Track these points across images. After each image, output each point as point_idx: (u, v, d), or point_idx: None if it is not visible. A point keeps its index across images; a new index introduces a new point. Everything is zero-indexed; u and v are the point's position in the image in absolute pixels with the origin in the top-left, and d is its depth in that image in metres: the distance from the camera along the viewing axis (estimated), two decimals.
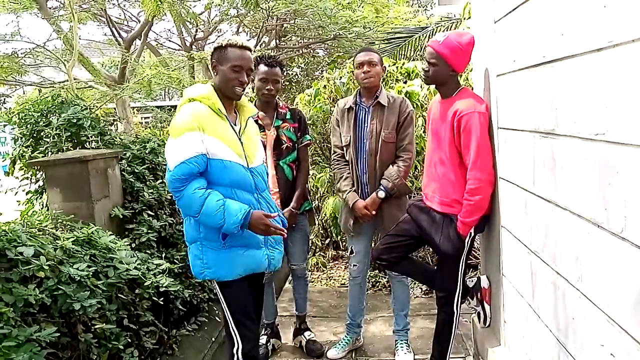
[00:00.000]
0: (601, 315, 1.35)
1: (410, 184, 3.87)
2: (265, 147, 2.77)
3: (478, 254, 3.17)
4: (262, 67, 2.85)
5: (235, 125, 2.16)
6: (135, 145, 3.64)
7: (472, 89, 2.72)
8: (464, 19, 4.50)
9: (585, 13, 1.35)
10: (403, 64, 4.48)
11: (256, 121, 2.76)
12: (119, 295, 2.45)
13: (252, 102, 3.00)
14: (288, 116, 2.98)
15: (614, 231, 1.26)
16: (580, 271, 1.47)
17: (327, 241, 5.00)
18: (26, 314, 1.98)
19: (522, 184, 1.96)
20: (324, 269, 4.71)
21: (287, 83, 8.78)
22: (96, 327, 2.23)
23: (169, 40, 10.11)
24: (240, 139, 2.14)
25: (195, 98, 2.08)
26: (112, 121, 4.86)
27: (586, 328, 1.45)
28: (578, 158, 1.45)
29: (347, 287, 3.27)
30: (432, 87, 3.27)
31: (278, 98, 3.08)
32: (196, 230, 2.13)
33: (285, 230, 2.19)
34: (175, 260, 3.11)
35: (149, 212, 3.21)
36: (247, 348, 2.19)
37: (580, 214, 1.45)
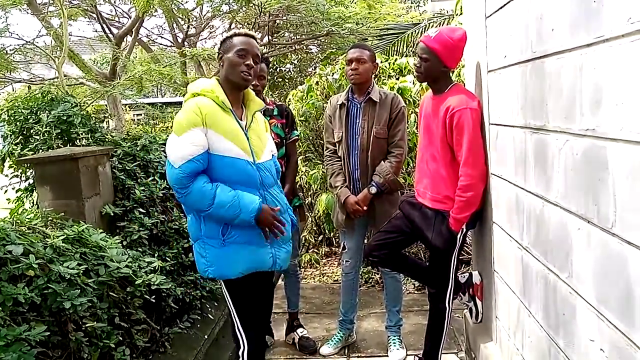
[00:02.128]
0: (591, 310, 1.35)
1: (403, 180, 3.88)
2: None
3: (470, 250, 3.18)
4: None
5: (241, 120, 2.11)
6: (127, 143, 3.62)
7: (465, 85, 2.72)
8: (457, 14, 4.50)
9: (576, 8, 1.35)
10: (395, 60, 4.47)
11: None
12: (110, 293, 2.43)
13: None
14: (275, 112, 2.98)
15: (603, 226, 1.26)
16: (570, 267, 1.48)
17: (320, 238, 5.00)
18: (15, 313, 1.96)
19: (513, 180, 1.97)
20: (317, 265, 4.71)
21: (280, 79, 8.77)
22: (87, 325, 2.21)
23: (161, 37, 10.03)
24: (246, 134, 2.09)
25: (199, 92, 2.05)
26: (103, 118, 4.82)
27: (576, 323, 1.46)
28: (568, 153, 1.45)
29: (340, 283, 3.27)
30: (425, 83, 3.26)
31: (271, 94, 3.08)
32: (197, 228, 2.11)
33: (285, 230, 2.17)
34: (167, 258, 3.09)
35: (141, 209, 3.18)
36: (251, 349, 2.17)
37: (571, 210, 1.45)
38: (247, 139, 2.08)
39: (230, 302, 2.16)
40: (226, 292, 2.16)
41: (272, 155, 2.27)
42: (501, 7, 1.99)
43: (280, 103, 3.13)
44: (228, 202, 1.97)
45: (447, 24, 5.36)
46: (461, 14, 3.59)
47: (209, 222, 2.07)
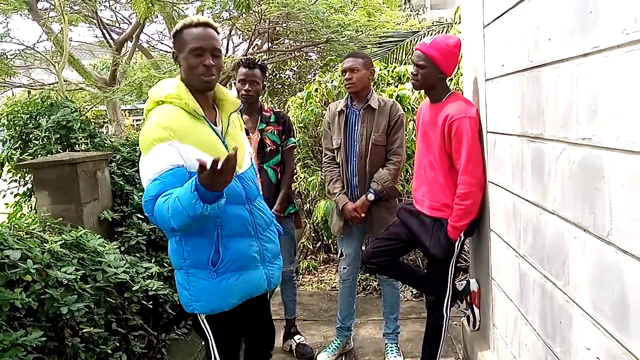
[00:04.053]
0: (587, 318, 1.35)
1: (401, 188, 3.88)
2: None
3: (468, 257, 3.18)
4: (241, 69, 2.88)
5: (216, 125, 1.80)
6: (125, 148, 3.63)
7: (463, 93, 2.73)
8: (455, 23, 4.53)
9: (572, 18, 1.36)
10: (394, 68, 4.49)
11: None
12: (108, 299, 2.43)
13: None
14: (272, 119, 2.98)
15: (600, 235, 1.27)
16: (567, 275, 1.48)
17: (318, 244, 5.00)
18: (12, 318, 1.96)
19: (511, 188, 1.97)
20: (315, 272, 4.70)
21: (280, 86, 8.79)
22: (84, 331, 2.20)
23: (161, 43, 10.06)
24: (224, 142, 1.79)
25: (164, 99, 1.73)
26: (102, 123, 4.84)
27: (572, 331, 1.46)
28: (565, 162, 1.46)
29: (337, 290, 3.27)
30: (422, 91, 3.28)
31: (271, 101, 3.09)
32: (180, 256, 1.78)
33: (273, 244, 1.93)
34: (164, 264, 3.09)
35: (139, 215, 3.19)
36: None
37: (567, 218, 1.46)
38: (226, 147, 1.77)
39: (211, 335, 1.84)
40: (206, 325, 1.84)
41: (251, 159, 1.98)
42: (499, 17, 2.01)
43: (278, 110, 3.14)
44: (173, 205, 1.56)
45: (446, 33, 5.40)
46: (460, 22, 3.62)
47: (194, 248, 1.75)
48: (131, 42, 7.58)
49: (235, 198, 1.77)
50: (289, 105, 5.03)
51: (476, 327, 2.59)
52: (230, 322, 1.86)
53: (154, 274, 2.74)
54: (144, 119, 1.82)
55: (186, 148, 1.67)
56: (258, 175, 2.80)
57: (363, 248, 3.15)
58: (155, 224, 1.77)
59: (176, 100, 1.71)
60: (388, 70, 4.44)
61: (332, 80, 4.43)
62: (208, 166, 1.46)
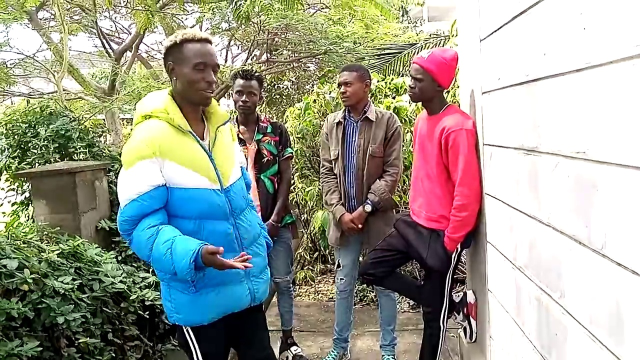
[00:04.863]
0: (583, 331, 1.36)
1: (399, 199, 3.90)
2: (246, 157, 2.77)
3: (465, 269, 3.19)
4: (239, 80, 2.90)
5: (203, 139, 1.81)
6: None
7: (459, 106, 2.75)
8: (452, 36, 4.57)
9: (566, 34, 1.39)
10: (392, 80, 4.53)
11: (238, 135, 2.75)
12: (104, 308, 2.43)
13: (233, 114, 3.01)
14: (269, 130, 3.00)
15: (595, 248, 1.28)
16: (562, 287, 1.49)
17: (315, 255, 4.99)
18: (8, 327, 1.96)
19: (507, 200, 1.99)
20: (312, 283, 4.69)
21: (278, 96, 8.84)
22: (80, 341, 2.20)
23: (161, 53, 10.12)
24: (210, 156, 1.79)
25: (151, 114, 1.74)
26: (101, 133, 4.85)
27: (568, 344, 1.46)
28: (560, 175, 1.47)
29: (335, 301, 3.26)
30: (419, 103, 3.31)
31: (269, 111, 3.11)
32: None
33: (260, 258, 1.92)
34: None
35: None
36: None
37: (563, 231, 1.47)
38: (212, 161, 1.78)
39: (195, 347, 1.85)
40: (191, 335, 1.84)
41: (241, 167, 1.99)
42: (495, 31, 2.03)
43: (274, 121, 3.16)
44: (162, 256, 1.63)
45: (443, 45, 5.44)
46: (457, 35, 3.65)
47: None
48: (130, 52, 7.62)
49: (218, 214, 1.78)
50: (287, 116, 5.05)
51: (473, 339, 2.59)
52: (214, 334, 1.86)
53: (151, 283, 2.74)
54: (130, 132, 1.86)
55: (169, 164, 1.68)
56: (254, 186, 2.81)
57: (360, 259, 3.15)
58: (128, 243, 1.76)
59: (162, 115, 1.72)
60: (385, 82, 4.48)
61: (331, 92, 4.46)
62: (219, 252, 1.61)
